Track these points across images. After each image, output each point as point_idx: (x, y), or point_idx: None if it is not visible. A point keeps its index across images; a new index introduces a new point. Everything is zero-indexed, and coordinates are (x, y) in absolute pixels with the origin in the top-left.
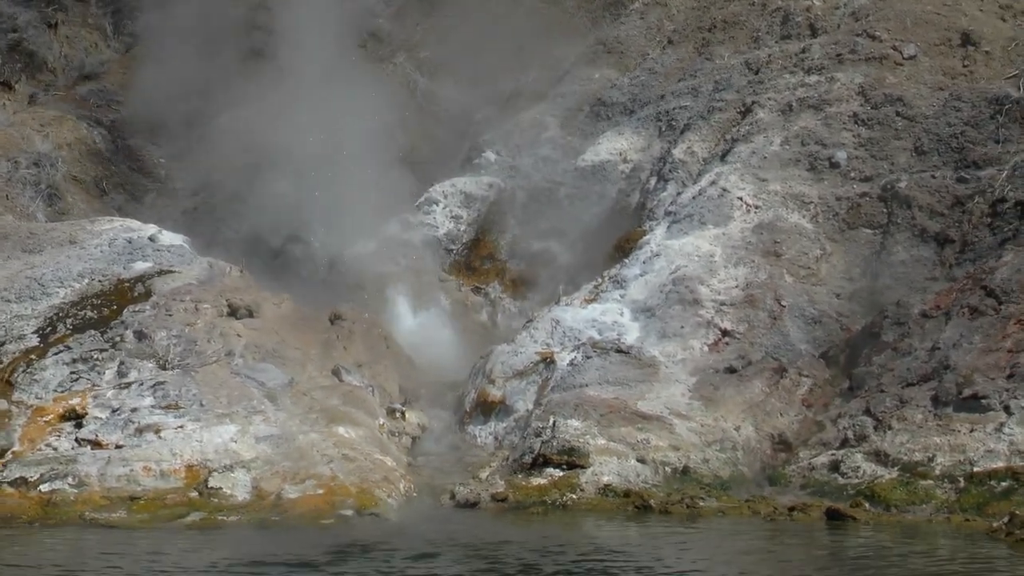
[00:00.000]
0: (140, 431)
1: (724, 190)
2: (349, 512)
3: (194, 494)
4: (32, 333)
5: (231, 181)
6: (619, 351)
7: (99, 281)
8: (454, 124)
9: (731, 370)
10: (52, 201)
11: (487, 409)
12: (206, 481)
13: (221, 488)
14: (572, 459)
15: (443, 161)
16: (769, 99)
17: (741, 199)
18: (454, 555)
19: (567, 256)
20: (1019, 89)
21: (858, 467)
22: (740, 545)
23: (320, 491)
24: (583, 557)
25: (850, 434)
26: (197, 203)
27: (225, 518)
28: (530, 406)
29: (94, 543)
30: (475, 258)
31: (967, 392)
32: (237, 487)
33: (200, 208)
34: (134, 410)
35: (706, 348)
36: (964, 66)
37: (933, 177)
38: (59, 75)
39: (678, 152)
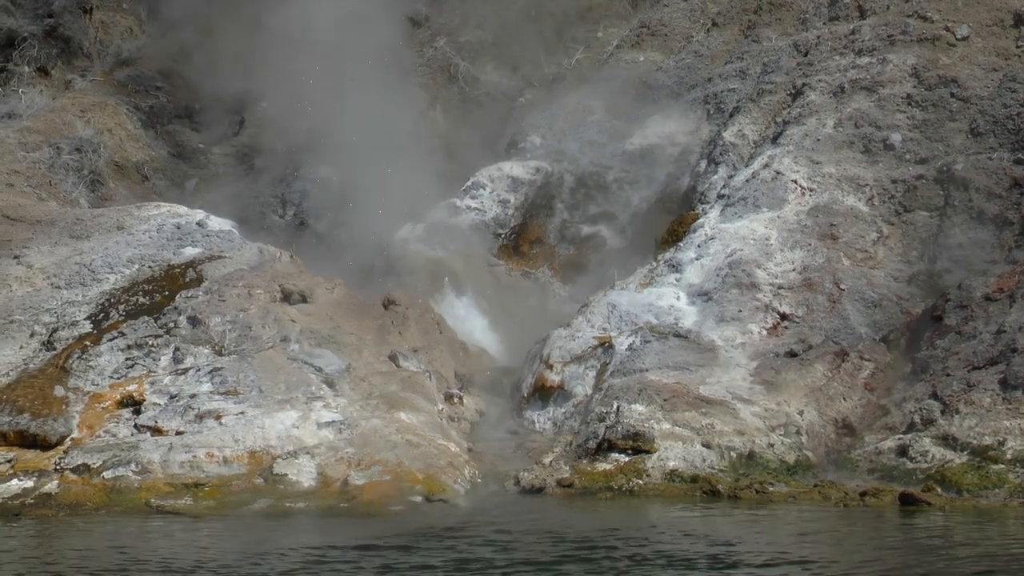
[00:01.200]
0: (200, 417)
1: (778, 173)
2: (418, 499)
3: (259, 481)
4: (84, 319)
5: (275, 166)
6: (677, 335)
7: (149, 267)
8: (495, 108)
9: (792, 354)
10: (95, 187)
11: (545, 394)
12: (271, 468)
13: (286, 475)
14: (637, 444)
15: (485, 145)
16: (820, 81)
17: (795, 182)
18: (530, 541)
19: (617, 240)
20: None
21: (927, 451)
22: (814, 529)
23: (387, 477)
24: (660, 543)
25: (917, 418)
26: (241, 189)
27: (292, 505)
28: (589, 391)
29: (163, 530)
30: (523, 243)
31: None
32: (302, 473)
33: (244, 194)
34: (193, 396)
35: (765, 332)
36: (1017, 47)
37: (990, 159)
38: (95, 61)
39: (728, 135)
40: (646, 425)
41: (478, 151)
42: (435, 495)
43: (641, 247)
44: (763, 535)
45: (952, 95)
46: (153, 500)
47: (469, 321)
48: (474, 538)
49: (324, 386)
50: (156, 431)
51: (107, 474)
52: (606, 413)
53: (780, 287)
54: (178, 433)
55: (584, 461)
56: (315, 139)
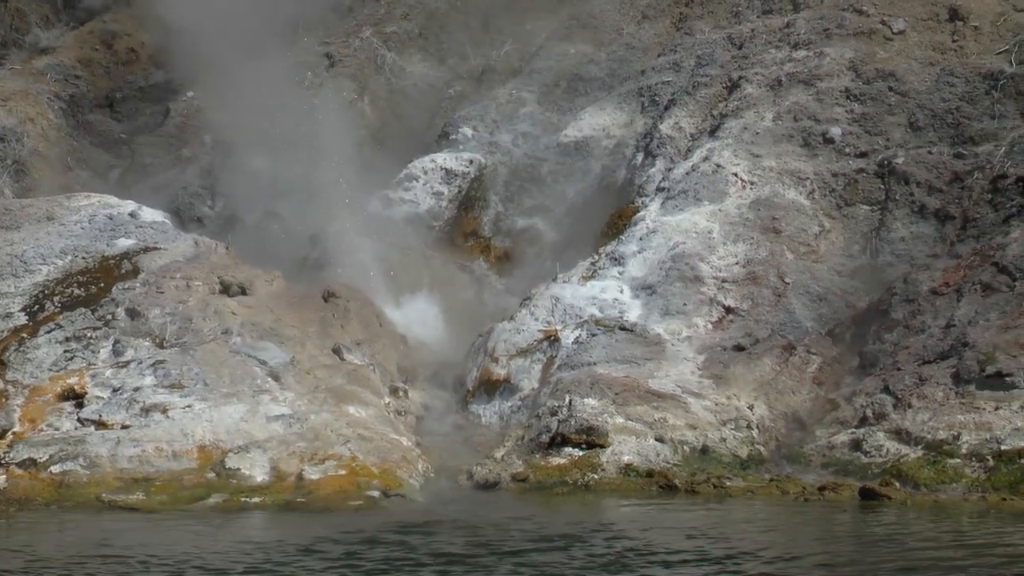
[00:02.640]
0: (146, 411)
1: (718, 166)
2: (375, 493)
3: (211, 475)
4: (19, 311)
5: (203, 158)
6: (623, 329)
7: (83, 258)
8: (423, 100)
9: (739, 348)
10: (19, 177)
11: (491, 388)
12: (223, 462)
13: (239, 469)
14: (591, 438)
15: (414, 137)
16: (756, 74)
17: (736, 175)
18: (498, 537)
19: (553, 233)
20: (1012, 64)
21: (881, 445)
22: (779, 523)
23: (342, 472)
24: (633, 538)
25: (869, 412)
26: (169, 179)
27: (248, 500)
28: (536, 384)
29: (122, 527)
30: (458, 235)
31: (990, 370)
32: (255, 468)
33: (172, 184)
34: (136, 389)
35: (710, 326)
36: (954, 41)
37: (930, 153)
38: (11, 49)
39: (665, 127)
40: (599, 419)
41: (407, 143)
42: (392, 490)
43: (578, 240)
44: (727, 528)
45: (890, 89)
46: (104, 495)
47: (407, 314)
48: (439, 533)
49: (269, 379)
50: (101, 425)
51: (54, 468)
52: (558, 407)
53: (724, 280)
54: (124, 427)
55: (537, 455)
56: (243, 130)
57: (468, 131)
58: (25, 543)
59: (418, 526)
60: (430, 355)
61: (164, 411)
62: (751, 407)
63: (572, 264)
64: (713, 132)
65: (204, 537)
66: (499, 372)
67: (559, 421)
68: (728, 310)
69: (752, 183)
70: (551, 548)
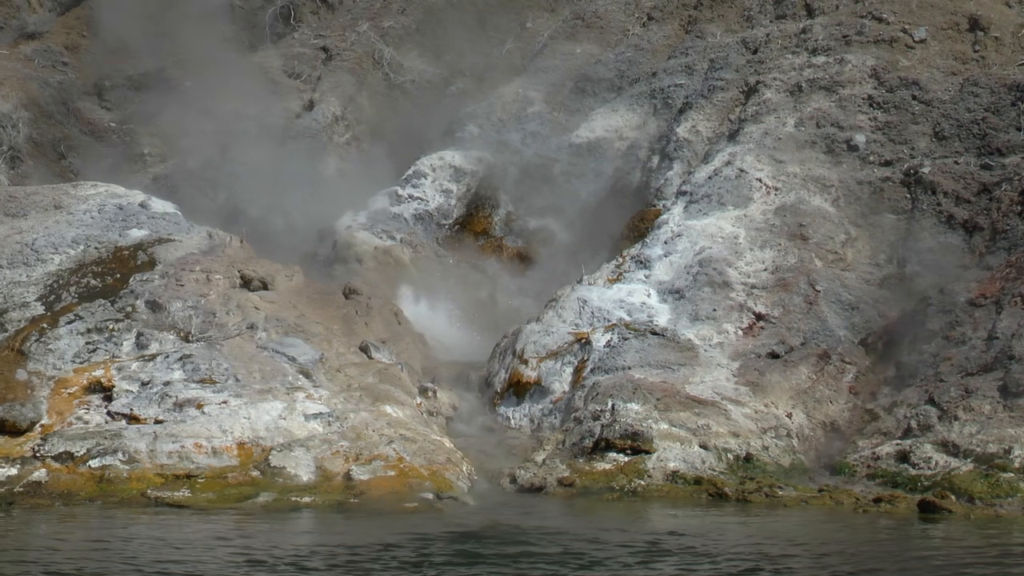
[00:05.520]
0: (180, 406)
1: (741, 171)
2: (429, 496)
3: (256, 473)
4: (35, 300)
5: (204, 148)
6: (654, 333)
7: (95, 248)
8: (421, 96)
9: (773, 355)
10: (14, 164)
11: (520, 390)
12: (267, 460)
13: (285, 467)
14: (636, 444)
15: (414, 133)
16: (775, 79)
17: (760, 180)
18: (567, 542)
19: (566, 234)
20: None
21: (929, 458)
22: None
23: (391, 473)
24: (708, 545)
25: (913, 424)
26: (169, 169)
27: (298, 499)
28: (567, 388)
29: (180, 524)
30: (469, 234)
31: None
32: (300, 466)
33: (173, 175)
34: (167, 383)
35: (740, 332)
36: (975, 51)
37: (956, 163)
38: None
39: (682, 131)
40: (644, 425)
41: (406, 139)
42: (444, 493)
43: (593, 241)
44: (813, 538)
45: (914, 97)
46: (150, 491)
47: (422, 313)
48: (517, 540)
49: (301, 376)
50: (133, 419)
51: (93, 463)
52: (600, 411)
53: (753, 287)
54: (157, 422)
55: (581, 460)
56: (241, 121)
57: (474, 129)
58: (98, 539)
59: (487, 531)
60: (447, 355)
61: (199, 406)
62: (789, 415)
63: (588, 266)
64: (733, 136)
65: (280, 535)
66: (529, 374)
67: (603, 426)
68: (759, 317)
69: (777, 189)
70: (635, 556)
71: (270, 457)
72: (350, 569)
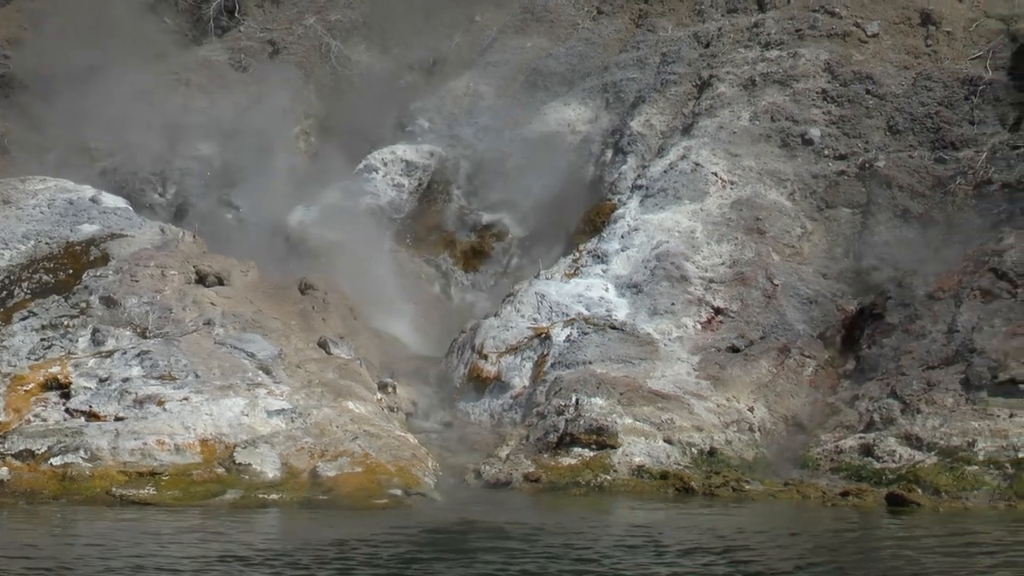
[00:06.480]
0: (140, 403)
1: (697, 164)
2: (398, 492)
3: (220, 470)
4: None
5: (151, 142)
6: (614, 327)
7: (46, 243)
8: (370, 89)
9: (734, 349)
10: None
11: (480, 385)
12: (232, 457)
13: (250, 464)
14: (601, 438)
15: (362, 127)
16: (728, 73)
17: (716, 174)
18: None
19: (519, 228)
20: (988, 71)
21: (893, 451)
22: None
23: (358, 469)
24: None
25: (876, 417)
26: (116, 163)
27: (266, 496)
28: (527, 382)
29: (156, 524)
30: (421, 228)
31: (1003, 377)
32: (266, 463)
33: (121, 170)
34: (126, 380)
35: (699, 326)
36: (927, 45)
37: (911, 157)
38: None
39: (635, 125)
40: (608, 419)
41: (355, 133)
42: (412, 489)
43: (546, 236)
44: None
45: (867, 91)
46: (114, 489)
47: (376, 307)
48: (495, 537)
49: (261, 372)
50: (92, 416)
51: (55, 461)
52: (564, 406)
53: (711, 281)
54: (118, 419)
55: (546, 455)
56: (190, 115)
57: (424, 123)
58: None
59: (462, 527)
60: (404, 350)
61: (160, 403)
62: (751, 409)
63: (542, 260)
64: (687, 130)
65: (254, 533)
66: (489, 369)
67: (567, 421)
68: (718, 311)
69: (732, 183)
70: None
71: (235, 454)
72: (336, 566)
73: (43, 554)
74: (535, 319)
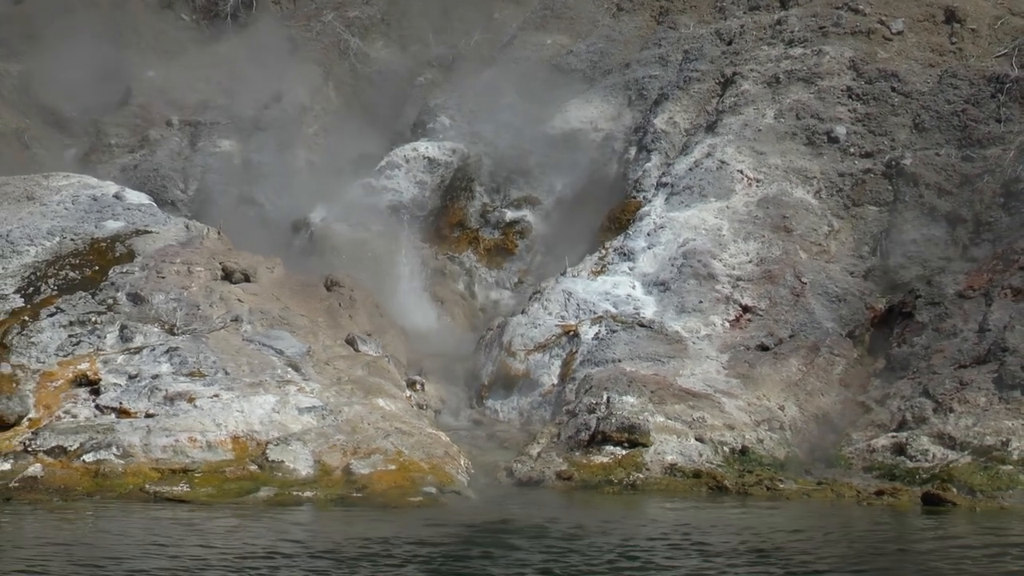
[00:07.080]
0: (170, 399)
1: (722, 162)
2: (432, 490)
3: (254, 467)
4: (13, 293)
5: (172, 138)
6: (642, 325)
7: (71, 239)
8: (388, 87)
9: (763, 348)
10: None
11: (508, 383)
12: (264, 454)
13: (283, 462)
14: (633, 437)
15: (382, 124)
16: (752, 71)
17: (741, 172)
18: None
19: (543, 226)
20: (1014, 68)
21: (926, 450)
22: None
23: (392, 467)
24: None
25: (908, 416)
26: (138, 160)
27: (300, 494)
28: (556, 380)
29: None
30: (444, 226)
31: None
32: (299, 461)
33: (142, 166)
34: (155, 377)
35: (728, 324)
36: (952, 43)
37: (937, 155)
38: None
39: (659, 122)
40: (640, 418)
41: (374, 130)
42: (446, 487)
43: (570, 233)
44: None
45: (893, 89)
46: (148, 486)
47: (401, 305)
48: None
49: (290, 369)
50: (122, 412)
51: (87, 457)
52: (596, 404)
53: (739, 279)
54: (149, 415)
55: (577, 453)
56: (210, 111)
57: (446, 120)
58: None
59: (501, 526)
60: (428, 347)
61: (190, 400)
62: (782, 408)
63: (567, 257)
64: (711, 128)
65: (297, 531)
66: (517, 367)
67: (599, 419)
68: (746, 309)
69: (758, 180)
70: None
71: (268, 451)
72: (386, 563)
73: (92, 550)
74: (563, 317)
